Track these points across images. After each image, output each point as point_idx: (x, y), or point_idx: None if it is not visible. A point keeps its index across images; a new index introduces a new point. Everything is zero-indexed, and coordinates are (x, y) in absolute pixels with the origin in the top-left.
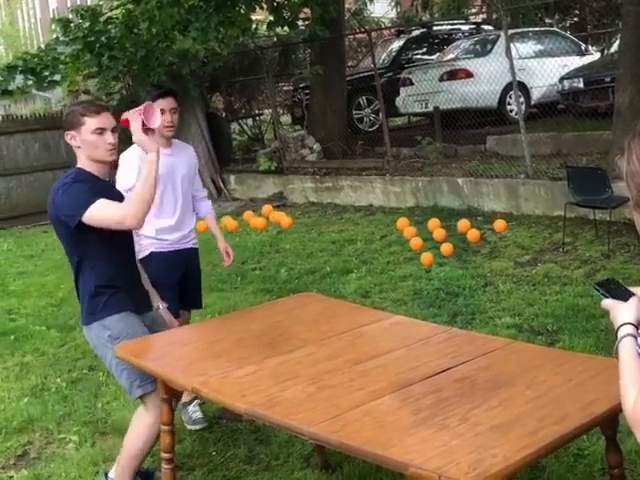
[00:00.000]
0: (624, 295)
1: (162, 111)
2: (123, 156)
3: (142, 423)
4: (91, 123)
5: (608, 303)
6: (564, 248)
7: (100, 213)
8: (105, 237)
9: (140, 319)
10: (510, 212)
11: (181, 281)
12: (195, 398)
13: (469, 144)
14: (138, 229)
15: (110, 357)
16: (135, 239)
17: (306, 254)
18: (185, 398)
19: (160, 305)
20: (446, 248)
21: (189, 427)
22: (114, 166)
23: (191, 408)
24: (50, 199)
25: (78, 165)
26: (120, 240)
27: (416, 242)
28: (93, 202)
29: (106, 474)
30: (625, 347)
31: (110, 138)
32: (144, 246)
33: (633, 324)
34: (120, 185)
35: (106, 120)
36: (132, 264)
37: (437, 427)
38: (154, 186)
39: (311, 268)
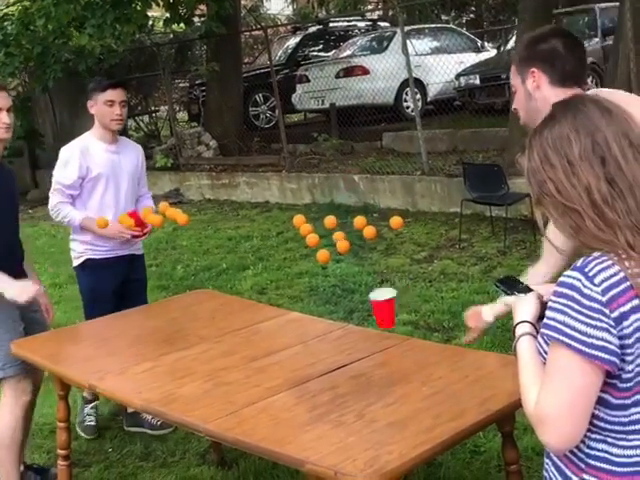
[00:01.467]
0: (524, 292)
1: (111, 103)
2: (64, 151)
3: (5, 410)
4: None
5: (509, 300)
6: (460, 245)
7: None
8: None
9: (17, 316)
10: (406, 209)
11: (121, 291)
12: (96, 399)
13: (365, 141)
14: None
15: None
16: (70, 244)
17: (202, 251)
18: (87, 394)
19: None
20: (342, 245)
21: (78, 429)
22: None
23: (87, 410)
24: None
25: None
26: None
27: (312, 239)
28: None
29: None
30: (523, 346)
31: (5, 118)
32: (78, 252)
33: (530, 322)
34: (60, 181)
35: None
36: (14, 246)
37: (333, 424)
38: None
39: (207, 265)
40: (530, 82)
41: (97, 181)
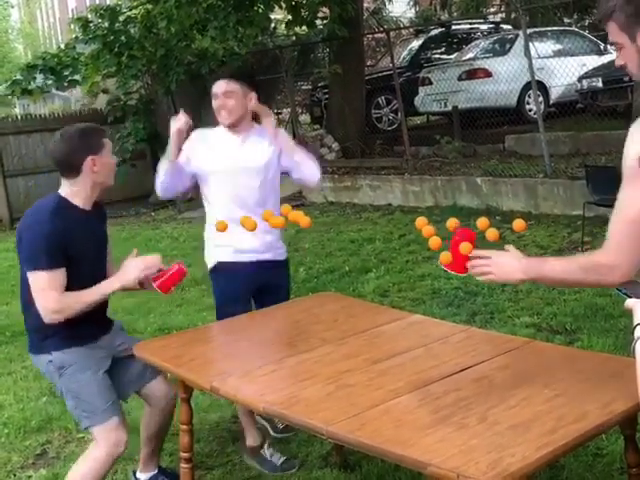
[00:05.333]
0: None
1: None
2: None
3: (88, 456)
4: (109, 145)
5: (630, 303)
6: (583, 247)
7: (39, 287)
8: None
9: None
10: (529, 211)
11: (259, 298)
12: (263, 442)
13: (488, 143)
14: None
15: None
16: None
17: (325, 253)
18: (250, 442)
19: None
20: (466, 247)
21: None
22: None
23: (267, 452)
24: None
25: (63, 194)
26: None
27: (435, 241)
28: (42, 268)
29: (134, 473)
30: None
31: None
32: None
33: None
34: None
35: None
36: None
37: (456, 426)
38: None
39: (330, 267)
40: None
41: None
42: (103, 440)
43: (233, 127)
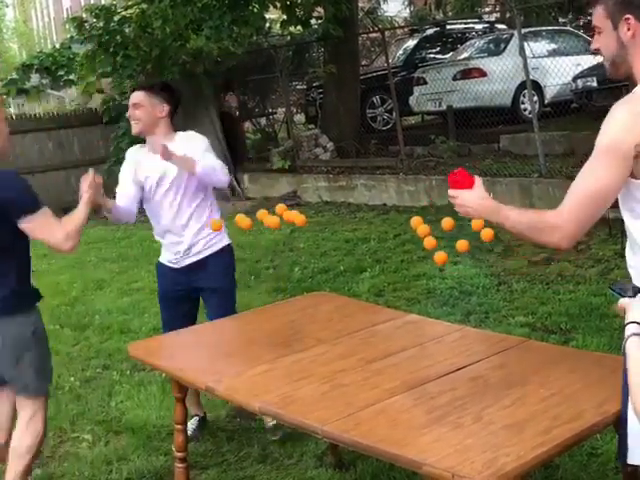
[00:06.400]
0: (637, 294)
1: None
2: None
3: (30, 428)
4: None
5: (624, 302)
6: (578, 247)
7: (42, 226)
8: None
9: None
10: None
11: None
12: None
13: (482, 143)
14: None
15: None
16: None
17: (320, 253)
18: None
19: None
20: (462, 244)
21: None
22: None
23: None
24: None
25: None
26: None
27: (430, 241)
28: (38, 206)
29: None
30: (632, 346)
31: None
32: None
33: (639, 323)
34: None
35: None
36: None
37: (451, 426)
38: None
39: (325, 267)
40: (624, 30)
41: None
42: (42, 411)
43: (142, 135)
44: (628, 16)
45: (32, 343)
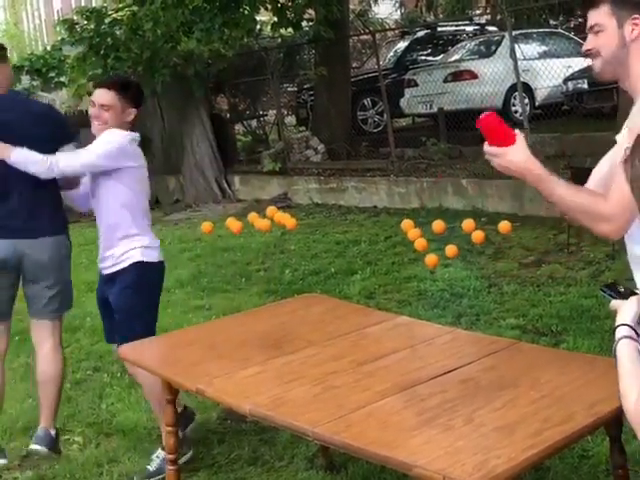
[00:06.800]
0: (630, 296)
1: (92, 103)
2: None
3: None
4: None
5: (615, 304)
6: (569, 249)
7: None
8: None
9: None
10: (514, 213)
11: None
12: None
13: (473, 145)
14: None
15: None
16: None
17: (310, 255)
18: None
19: None
20: (451, 249)
21: None
22: None
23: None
24: None
25: None
26: None
27: (420, 243)
28: None
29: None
30: (622, 349)
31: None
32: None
33: (629, 325)
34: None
35: None
36: None
37: (442, 428)
38: None
39: (315, 269)
40: (629, 30)
41: None
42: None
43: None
44: (636, 16)
45: (66, 259)
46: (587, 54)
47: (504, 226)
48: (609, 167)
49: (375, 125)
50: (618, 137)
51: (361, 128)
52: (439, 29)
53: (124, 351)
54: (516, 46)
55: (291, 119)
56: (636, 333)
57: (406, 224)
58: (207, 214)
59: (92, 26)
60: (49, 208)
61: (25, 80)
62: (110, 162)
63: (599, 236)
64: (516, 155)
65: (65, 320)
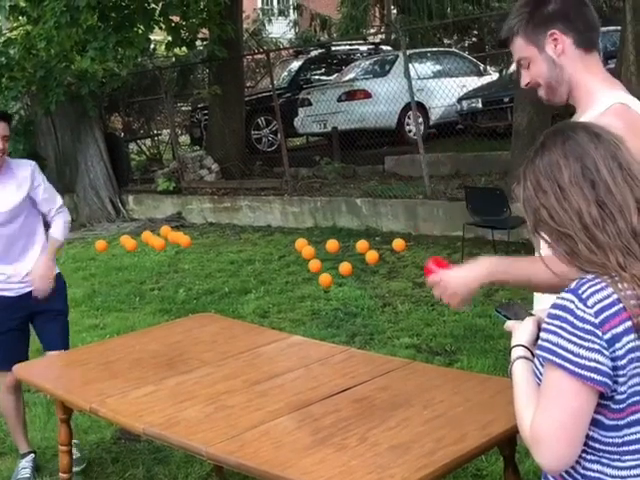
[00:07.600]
0: (524, 317)
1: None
2: None
3: None
4: None
5: (511, 325)
6: None
7: None
8: None
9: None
10: (409, 232)
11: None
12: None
13: (368, 164)
14: None
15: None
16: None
17: (204, 274)
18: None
19: None
20: (345, 267)
21: None
22: None
23: (22, 463)
24: None
25: None
26: None
27: (314, 263)
28: None
29: None
30: (518, 369)
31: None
32: None
33: (524, 346)
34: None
35: None
36: None
37: (336, 447)
38: None
39: (209, 288)
40: (552, 48)
41: None
42: None
43: None
44: (552, 31)
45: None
46: (529, 89)
47: (398, 245)
48: None
49: (269, 144)
50: None
51: (255, 147)
52: (333, 48)
53: (18, 371)
54: (410, 65)
55: (185, 138)
56: (532, 354)
57: (300, 243)
58: (101, 233)
59: None
60: None
61: None
62: None
63: None
64: (459, 272)
65: None
